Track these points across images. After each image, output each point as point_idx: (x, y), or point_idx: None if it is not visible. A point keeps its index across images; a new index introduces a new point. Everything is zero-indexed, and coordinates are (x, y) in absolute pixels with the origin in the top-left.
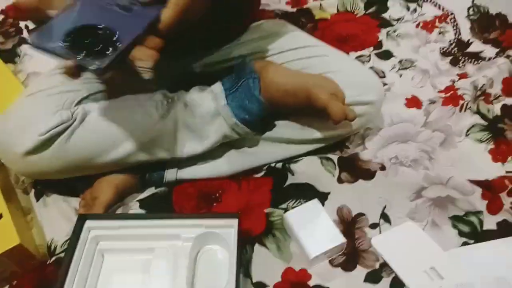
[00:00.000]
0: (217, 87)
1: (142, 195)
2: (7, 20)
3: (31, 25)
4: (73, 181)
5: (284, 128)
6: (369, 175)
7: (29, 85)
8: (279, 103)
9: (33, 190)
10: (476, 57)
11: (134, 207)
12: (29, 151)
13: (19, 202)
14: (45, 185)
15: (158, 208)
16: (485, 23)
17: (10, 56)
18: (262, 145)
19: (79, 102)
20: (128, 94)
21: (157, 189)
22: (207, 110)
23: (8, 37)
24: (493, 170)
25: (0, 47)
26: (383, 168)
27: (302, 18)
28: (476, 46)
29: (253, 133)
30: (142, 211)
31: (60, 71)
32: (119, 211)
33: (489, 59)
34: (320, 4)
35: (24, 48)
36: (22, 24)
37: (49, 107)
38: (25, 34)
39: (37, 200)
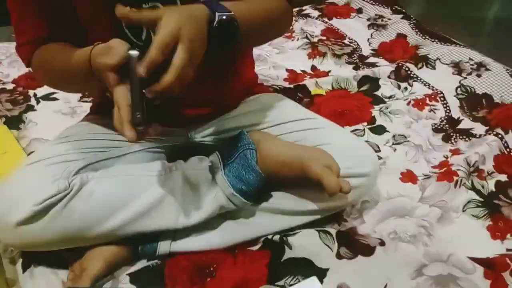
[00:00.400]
0: (215, 157)
1: (133, 268)
2: (18, 88)
3: (40, 94)
4: (63, 252)
5: (280, 199)
6: (368, 250)
7: (31, 151)
8: (275, 174)
9: (20, 260)
10: (467, 134)
11: (124, 281)
12: (21, 222)
13: (4, 272)
14: (33, 255)
15: (149, 282)
16: (473, 102)
17: (16, 123)
18: (258, 216)
19: (77, 172)
20: (128, 164)
21: (149, 262)
22: (204, 180)
23: (16, 105)
24: (493, 248)
25: (7, 114)
26: (382, 243)
27: (299, 93)
28: (466, 123)
29: (250, 204)
30: (132, 287)
31: (64, 139)
32: (108, 284)
33: (480, 136)
34: (316, 81)
35: (30, 115)
36: (31, 92)
37: (47, 177)
38: (32, 101)
39: (24, 271)
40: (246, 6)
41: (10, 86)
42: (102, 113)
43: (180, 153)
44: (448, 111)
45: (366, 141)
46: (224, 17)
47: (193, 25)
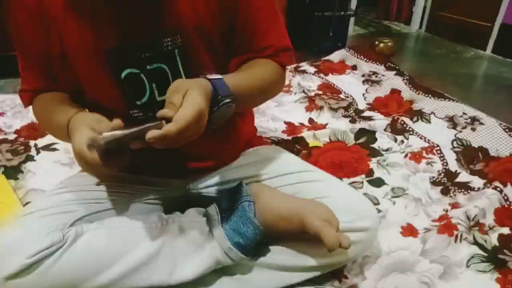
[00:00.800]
0: (212, 209)
1: None
2: (19, 138)
3: (40, 144)
4: None
5: (278, 254)
6: None
7: (27, 201)
8: (273, 228)
9: None
10: (465, 187)
11: None
12: (12, 276)
13: None
14: None
15: None
16: (469, 155)
17: (14, 173)
18: (256, 272)
19: (73, 224)
20: (124, 216)
21: None
22: (201, 233)
23: (16, 155)
24: None
25: (7, 164)
26: None
27: (297, 145)
28: (464, 176)
29: (247, 259)
30: None
31: (61, 190)
32: None
33: (478, 189)
34: (314, 134)
35: (29, 165)
36: (32, 142)
37: (41, 229)
38: (33, 151)
39: None
40: (246, 79)
41: (12, 136)
42: None
43: (178, 204)
44: (445, 164)
45: (365, 194)
46: (226, 100)
47: (207, 104)
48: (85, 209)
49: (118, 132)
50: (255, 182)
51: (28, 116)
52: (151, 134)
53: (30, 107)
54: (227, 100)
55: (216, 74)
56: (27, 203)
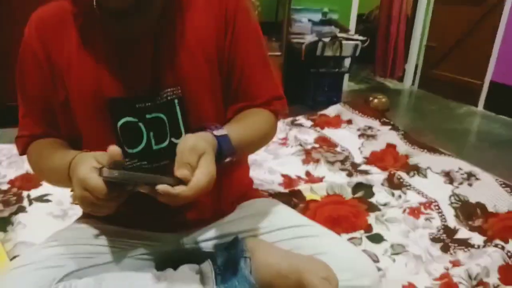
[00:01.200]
0: (207, 266)
1: None
2: (12, 189)
3: (33, 195)
4: None
5: None
6: None
7: (15, 255)
8: (270, 285)
9: None
10: (466, 244)
11: None
12: None
13: None
14: None
15: None
16: (467, 211)
17: (3, 225)
18: None
19: (61, 279)
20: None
21: None
22: None
23: (8, 205)
24: None
25: None
26: None
27: (294, 198)
28: (463, 233)
29: None
30: None
31: (51, 243)
32: None
33: (479, 246)
34: (311, 187)
35: (20, 217)
36: (25, 193)
37: (28, 284)
38: (25, 202)
39: None
40: (246, 132)
41: (5, 187)
42: (94, 216)
43: (171, 260)
44: (444, 220)
45: (364, 251)
46: (228, 159)
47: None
48: (75, 264)
49: (138, 174)
50: (252, 237)
51: (24, 166)
52: (165, 188)
53: (25, 156)
54: (229, 159)
55: (217, 125)
56: (14, 257)
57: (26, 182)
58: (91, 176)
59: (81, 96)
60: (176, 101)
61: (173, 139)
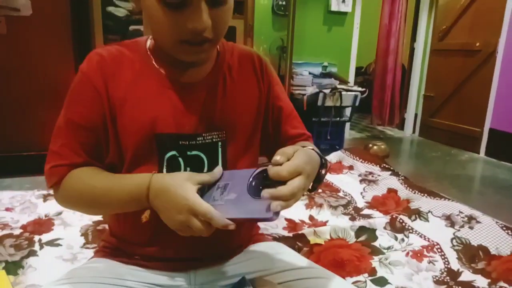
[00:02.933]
0: None
1: None
2: (24, 234)
3: (45, 239)
4: None
5: None
6: None
7: None
8: None
9: None
10: (470, 286)
11: None
12: None
13: None
14: None
15: None
16: (470, 253)
17: (15, 268)
18: None
19: None
20: None
21: None
22: None
23: (19, 249)
24: None
25: (8, 259)
26: None
27: (298, 242)
28: (467, 275)
29: None
30: None
31: (64, 280)
32: None
33: None
34: (314, 231)
35: (31, 260)
36: (36, 237)
37: None
38: (36, 246)
39: None
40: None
41: (17, 232)
42: (109, 255)
43: None
44: (447, 262)
45: None
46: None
47: (314, 166)
48: None
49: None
50: (258, 277)
51: (36, 211)
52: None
53: (40, 201)
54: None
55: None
56: None
57: (38, 227)
58: (201, 201)
59: (132, 129)
60: (219, 143)
61: None
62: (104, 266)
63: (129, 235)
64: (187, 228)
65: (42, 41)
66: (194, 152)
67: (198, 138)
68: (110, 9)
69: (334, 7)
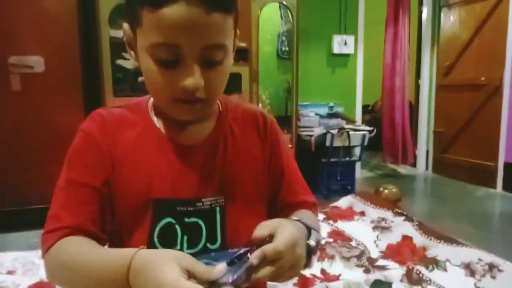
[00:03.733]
0: None
1: None
2: None
3: None
4: None
5: None
6: None
7: None
8: None
9: None
10: None
11: None
12: None
13: None
14: None
15: None
16: None
17: None
18: None
19: None
20: None
21: None
22: None
23: None
24: None
25: None
26: None
27: None
28: None
29: None
30: None
31: None
32: None
33: None
34: (326, 286)
35: None
36: None
37: None
38: None
39: None
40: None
41: None
42: None
43: None
44: None
45: None
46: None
47: (303, 243)
48: None
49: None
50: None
51: (38, 273)
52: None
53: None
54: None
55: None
56: None
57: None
58: (184, 283)
59: (129, 192)
60: (217, 209)
61: (208, 245)
62: None
63: None
64: None
65: (54, 96)
66: (192, 219)
67: (197, 204)
68: (120, 62)
69: (336, 50)
